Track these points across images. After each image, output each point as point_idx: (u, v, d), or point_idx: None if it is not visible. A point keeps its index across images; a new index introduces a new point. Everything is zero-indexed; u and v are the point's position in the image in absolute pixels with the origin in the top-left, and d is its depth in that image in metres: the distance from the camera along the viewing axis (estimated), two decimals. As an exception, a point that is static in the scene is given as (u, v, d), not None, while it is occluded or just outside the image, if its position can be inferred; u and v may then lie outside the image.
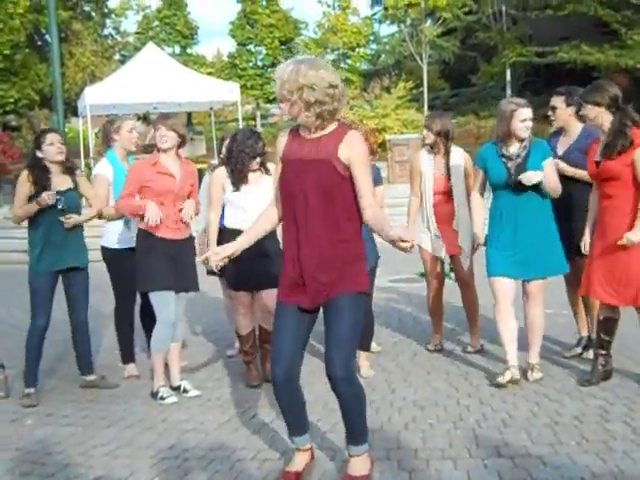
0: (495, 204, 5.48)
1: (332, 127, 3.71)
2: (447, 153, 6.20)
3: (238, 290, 5.72)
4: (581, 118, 5.50)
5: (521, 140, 5.30)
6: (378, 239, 5.84)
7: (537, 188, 5.24)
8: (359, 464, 3.86)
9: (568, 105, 5.71)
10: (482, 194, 5.65)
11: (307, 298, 3.76)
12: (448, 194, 6.20)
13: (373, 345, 6.16)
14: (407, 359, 6.24)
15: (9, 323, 8.35)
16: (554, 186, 5.26)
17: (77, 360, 5.92)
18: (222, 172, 5.75)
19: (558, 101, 5.78)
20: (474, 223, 5.69)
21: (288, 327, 3.86)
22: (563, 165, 5.59)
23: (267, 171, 5.68)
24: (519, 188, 5.24)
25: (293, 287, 3.79)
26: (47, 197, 5.42)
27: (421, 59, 30.54)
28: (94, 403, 5.44)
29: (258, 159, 5.60)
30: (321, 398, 5.27)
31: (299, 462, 3.99)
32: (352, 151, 3.65)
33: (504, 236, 5.35)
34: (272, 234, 5.64)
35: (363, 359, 5.84)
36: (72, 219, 5.59)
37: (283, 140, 3.85)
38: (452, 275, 6.68)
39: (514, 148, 5.32)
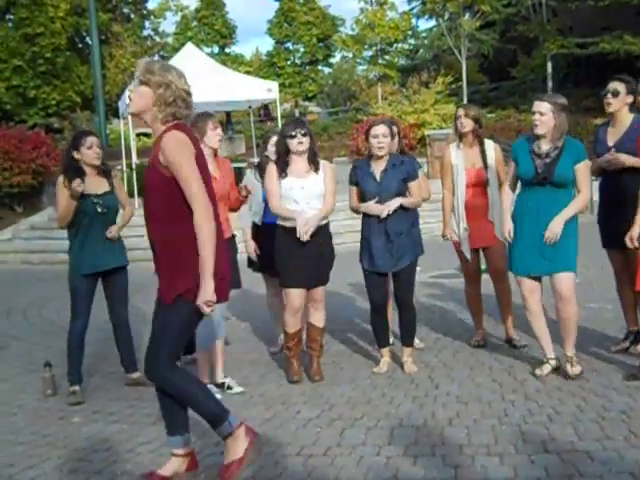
0: (521, 198, 5.44)
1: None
2: (481, 144, 6.17)
3: (290, 288, 5.72)
4: (632, 108, 5.43)
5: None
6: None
7: (563, 188, 5.20)
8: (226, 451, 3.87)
9: (629, 93, 5.62)
10: (513, 188, 5.60)
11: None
12: (481, 186, 6.16)
13: (416, 341, 6.13)
14: (450, 355, 6.21)
15: (56, 323, 8.48)
16: (585, 192, 5.23)
17: (121, 358, 5.99)
18: (273, 165, 5.76)
19: (621, 87, 5.67)
20: (504, 216, 5.66)
21: None
22: (625, 156, 5.50)
23: (317, 169, 5.67)
24: (544, 187, 5.20)
25: None
26: (76, 185, 5.46)
27: (460, 53, 30.34)
28: (139, 401, 5.50)
29: (295, 140, 5.57)
30: (365, 395, 5.28)
31: (168, 467, 3.95)
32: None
33: (528, 231, 5.30)
34: (325, 233, 5.68)
35: (406, 355, 5.83)
36: (114, 229, 5.66)
37: None
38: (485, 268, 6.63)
39: (546, 146, 5.26)
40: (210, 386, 5.48)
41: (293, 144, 5.57)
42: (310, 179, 5.62)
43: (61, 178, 5.67)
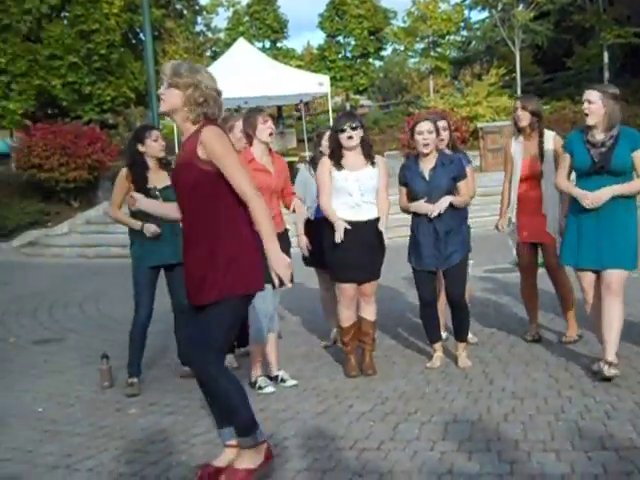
0: None
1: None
2: (541, 135, 6.06)
3: (344, 282, 5.72)
4: None
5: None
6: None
7: (621, 176, 5.09)
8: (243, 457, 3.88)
9: None
10: (564, 180, 5.49)
11: None
12: (535, 179, 6.06)
13: (470, 336, 6.08)
14: (505, 350, 6.14)
15: (112, 316, 8.62)
16: None
17: (178, 351, 6.05)
18: (327, 158, 5.75)
19: None
20: (562, 209, 5.55)
21: None
22: None
23: (373, 163, 5.64)
24: (602, 175, 5.10)
25: None
26: (150, 231, 5.61)
27: (513, 44, 29.90)
28: (194, 393, 5.50)
29: (345, 134, 5.55)
30: (418, 389, 5.25)
31: (222, 458, 3.99)
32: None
33: (584, 223, 5.20)
34: (375, 229, 5.66)
35: (460, 350, 5.78)
36: (152, 228, 5.68)
37: None
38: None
39: (600, 136, 5.15)
40: (263, 378, 5.53)
41: (343, 138, 5.55)
42: (365, 172, 5.60)
43: (124, 171, 5.75)
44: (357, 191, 5.56)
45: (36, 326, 8.54)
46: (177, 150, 18.93)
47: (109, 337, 7.39)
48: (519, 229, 6.17)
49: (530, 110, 6.00)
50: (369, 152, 5.63)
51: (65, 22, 26.09)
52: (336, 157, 5.63)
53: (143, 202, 4.28)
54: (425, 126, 5.57)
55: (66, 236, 17.50)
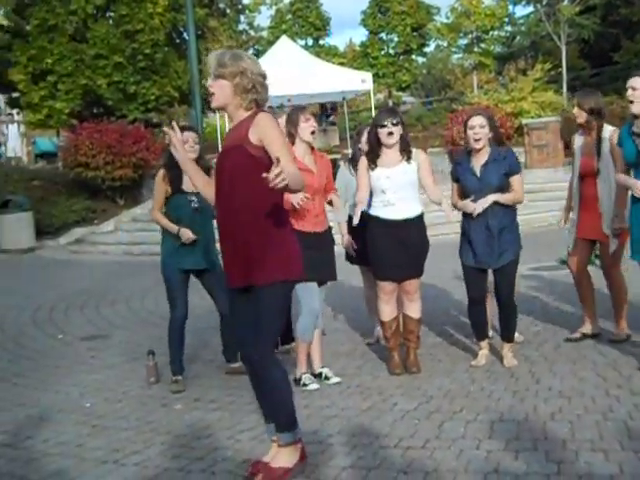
0: None
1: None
2: (598, 132, 5.93)
3: (383, 280, 5.71)
4: None
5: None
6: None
7: None
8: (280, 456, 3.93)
9: None
10: (623, 173, 5.40)
11: None
12: (592, 176, 5.96)
13: (516, 335, 6.01)
14: (551, 348, 6.06)
15: (157, 313, 8.70)
16: None
17: (223, 349, 6.09)
18: (365, 159, 5.74)
19: None
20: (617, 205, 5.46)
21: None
22: None
23: (408, 159, 5.62)
24: None
25: None
26: (186, 237, 5.63)
27: (559, 39, 29.54)
28: (239, 389, 5.58)
29: (386, 130, 5.52)
30: (463, 388, 5.22)
31: (270, 454, 4.02)
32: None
33: None
34: (417, 225, 5.64)
35: (506, 349, 5.72)
36: (188, 234, 5.69)
37: None
38: (597, 261, 6.45)
39: None
40: (308, 376, 5.54)
41: (383, 134, 5.53)
42: (398, 168, 5.57)
43: (161, 173, 5.80)
44: (390, 188, 5.54)
45: (83, 322, 8.67)
46: (220, 149, 19.05)
47: (155, 333, 7.47)
48: (578, 225, 6.08)
49: (587, 108, 5.89)
50: (406, 148, 5.61)
51: (110, 22, 26.38)
52: (372, 155, 5.62)
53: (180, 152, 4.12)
54: (476, 120, 5.52)
55: (112, 234, 17.73)
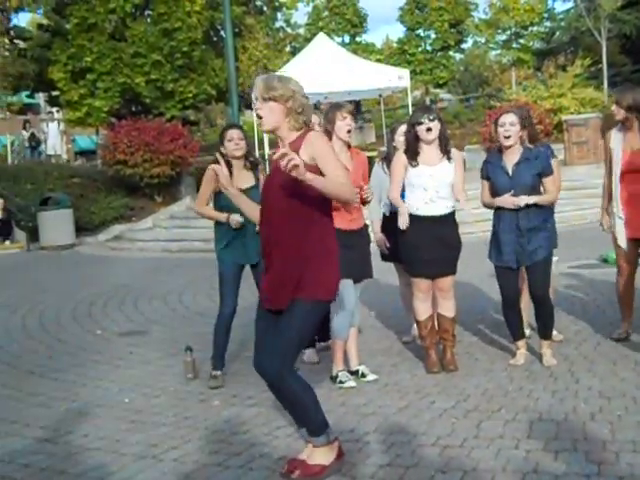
0: None
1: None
2: None
3: (417, 277, 5.69)
4: None
5: None
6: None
7: None
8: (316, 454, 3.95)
9: None
10: None
11: None
12: (637, 172, 5.82)
13: (554, 333, 5.95)
14: (591, 348, 5.98)
15: (195, 310, 8.76)
16: None
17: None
18: (403, 154, 5.71)
19: None
20: None
21: None
22: None
23: (449, 157, 5.58)
24: None
25: None
26: (236, 222, 5.63)
27: (599, 34, 29.11)
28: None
29: (424, 127, 5.48)
30: (501, 387, 5.17)
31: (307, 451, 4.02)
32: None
33: None
34: (451, 222, 5.60)
35: (545, 348, 5.66)
36: (237, 217, 5.69)
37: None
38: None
39: None
40: (344, 373, 5.53)
41: (422, 131, 5.50)
42: (440, 167, 5.54)
43: (210, 169, 5.82)
44: (432, 187, 5.50)
45: (122, 318, 8.75)
46: (256, 146, 19.14)
47: (192, 330, 7.51)
48: (626, 224, 5.93)
49: (625, 105, 5.79)
50: (446, 146, 5.56)
51: (148, 20, 26.59)
52: (412, 152, 5.58)
53: (231, 191, 4.21)
54: (507, 118, 5.46)
55: (150, 230, 17.89)
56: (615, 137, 5.97)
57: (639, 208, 5.81)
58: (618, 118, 5.88)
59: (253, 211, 4.11)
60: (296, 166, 3.48)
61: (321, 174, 3.69)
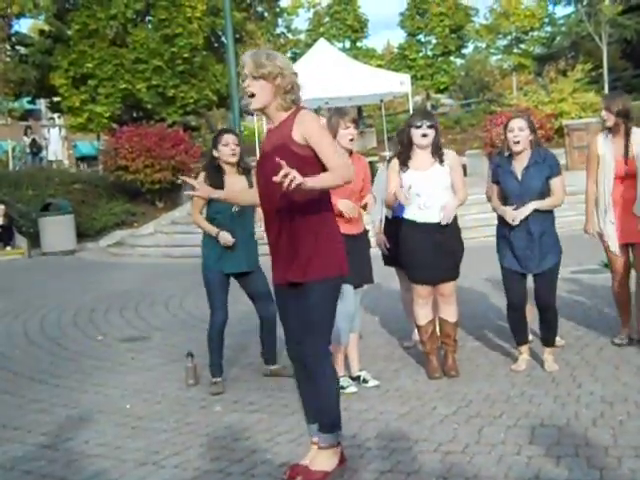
0: None
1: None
2: (627, 135, 5.84)
3: (417, 283, 5.69)
4: None
5: None
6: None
7: None
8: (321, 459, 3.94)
9: None
10: None
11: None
12: (631, 178, 5.84)
13: (557, 339, 5.93)
14: (593, 353, 5.97)
15: (196, 316, 8.75)
16: None
17: (262, 351, 6.10)
18: (397, 160, 5.71)
19: None
20: None
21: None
22: None
23: (441, 161, 5.57)
24: None
25: None
26: (226, 240, 5.66)
27: (600, 39, 29.17)
28: (277, 391, 5.59)
29: (420, 132, 5.48)
30: (503, 392, 5.16)
31: (310, 456, 4.02)
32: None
33: None
34: (452, 228, 5.59)
35: (547, 353, 5.65)
36: (227, 237, 5.70)
37: None
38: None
39: None
40: (346, 379, 5.52)
41: (417, 135, 5.49)
42: (433, 171, 5.53)
43: (202, 175, 5.84)
44: (425, 192, 5.49)
45: (123, 324, 8.75)
46: (257, 151, 19.14)
47: (194, 335, 7.51)
48: (618, 230, 5.95)
49: (615, 111, 5.80)
50: (438, 151, 5.56)
51: (149, 26, 26.66)
52: (404, 157, 5.58)
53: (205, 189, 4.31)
54: (516, 123, 5.45)
55: (151, 236, 17.90)
56: (603, 144, 5.96)
57: (631, 213, 5.83)
58: (609, 124, 5.87)
59: (252, 197, 4.16)
60: (299, 184, 3.47)
61: (313, 153, 3.71)
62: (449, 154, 5.65)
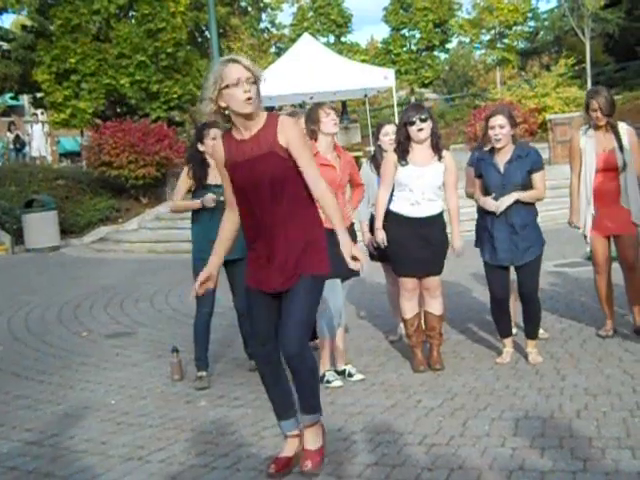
0: None
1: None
2: (614, 127, 5.87)
3: (404, 276, 5.70)
4: None
5: None
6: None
7: None
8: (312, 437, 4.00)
9: None
10: None
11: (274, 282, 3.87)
12: (612, 171, 5.87)
13: (540, 331, 5.97)
14: (577, 345, 6.01)
15: (181, 310, 8.74)
16: None
17: (244, 345, 6.11)
18: (392, 152, 5.71)
19: None
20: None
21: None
22: None
23: (440, 157, 5.59)
24: None
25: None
26: (210, 200, 5.65)
27: (583, 34, 29.29)
28: (262, 386, 5.57)
29: (415, 127, 5.48)
30: (488, 385, 5.19)
31: (289, 448, 4.06)
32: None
33: None
34: (438, 223, 5.61)
35: (531, 346, 5.68)
36: (209, 198, 5.70)
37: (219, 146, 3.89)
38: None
39: None
40: (331, 372, 5.54)
41: (413, 131, 5.50)
42: (430, 168, 5.54)
43: (186, 168, 5.85)
44: (418, 188, 5.51)
45: (108, 320, 8.72)
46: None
47: (179, 331, 7.50)
48: (596, 222, 6.00)
49: (603, 103, 5.80)
50: (437, 145, 5.57)
51: (133, 21, 26.50)
52: (402, 151, 5.59)
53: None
54: (497, 121, 5.46)
55: (136, 232, 17.83)
56: (585, 140, 5.98)
57: (611, 206, 5.87)
58: (599, 119, 5.86)
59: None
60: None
61: (290, 158, 3.73)
62: (447, 156, 5.64)
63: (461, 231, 5.69)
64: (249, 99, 3.68)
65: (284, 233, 3.82)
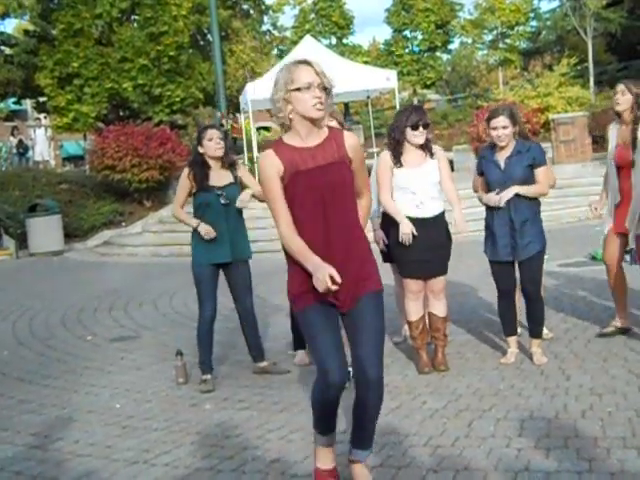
0: None
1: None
2: (635, 122, 5.72)
3: (408, 278, 5.70)
4: None
5: None
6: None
7: None
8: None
9: None
10: None
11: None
12: (627, 167, 5.76)
13: (545, 331, 5.96)
14: (581, 345, 6.00)
15: (185, 313, 8.74)
16: None
17: (248, 347, 6.11)
18: (387, 154, 5.71)
19: None
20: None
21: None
22: None
23: (431, 154, 5.59)
24: None
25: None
26: (205, 232, 5.68)
27: (585, 33, 29.27)
28: (267, 389, 5.59)
29: (418, 132, 5.48)
30: (492, 386, 5.18)
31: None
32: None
33: None
34: (442, 223, 5.61)
35: (535, 346, 5.67)
36: (207, 229, 5.71)
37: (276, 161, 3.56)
38: (627, 257, 6.35)
39: None
40: (336, 375, 5.52)
41: (414, 135, 5.50)
42: (425, 167, 5.56)
43: (186, 170, 5.87)
44: (420, 189, 5.52)
45: (112, 324, 8.73)
46: (245, 149, 19.10)
47: (183, 334, 7.50)
48: (613, 219, 5.94)
49: (635, 93, 5.69)
50: (428, 145, 5.60)
51: (135, 25, 26.54)
52: (397, 153, 5.59)
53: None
54: (499, 122, 5.47)
55: (139, 235, 17.83)
56: (611, 130, 5.96)
57: (627, 203, 5.79)
58: (624, 107, 5.75)
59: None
60: None
61: (349, 169, 3.62)
62: (436, 149, 5.68)
63: (466, 232, 5.68)
64: (321, 104, 3.49)
65: (355, 247, 3.62)
